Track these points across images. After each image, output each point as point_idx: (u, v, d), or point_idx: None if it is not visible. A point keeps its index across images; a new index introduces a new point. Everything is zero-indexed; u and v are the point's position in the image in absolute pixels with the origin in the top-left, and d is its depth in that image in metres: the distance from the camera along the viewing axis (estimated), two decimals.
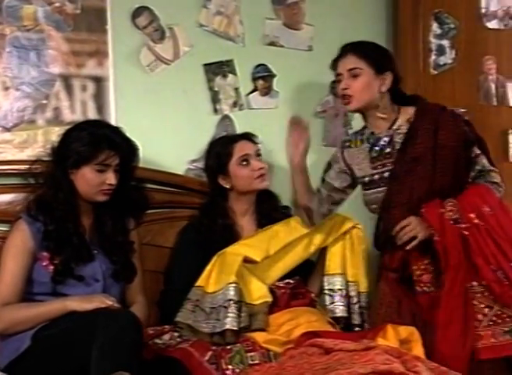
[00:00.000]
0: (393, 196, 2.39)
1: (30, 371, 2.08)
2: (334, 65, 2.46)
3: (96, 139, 2.22)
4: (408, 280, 2.37)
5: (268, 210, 2.55)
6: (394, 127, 2.44)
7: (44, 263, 2.20)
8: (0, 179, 2.43)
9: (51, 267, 2.20)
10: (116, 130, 2.30)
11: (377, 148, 2.45)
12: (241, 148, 2.50)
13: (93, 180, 2.23)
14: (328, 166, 2.60)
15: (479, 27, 3.06)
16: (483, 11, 3.08)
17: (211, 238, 2.43)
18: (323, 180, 2.60)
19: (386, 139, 2.44)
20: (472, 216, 2.29)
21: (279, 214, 2.57)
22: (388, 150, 2.43)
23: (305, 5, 2.89)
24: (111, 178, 2.24)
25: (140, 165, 2.45)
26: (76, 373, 2.01)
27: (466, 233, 2.28)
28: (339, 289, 2.45)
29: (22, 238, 2.22)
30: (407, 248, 2.32)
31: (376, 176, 2.45)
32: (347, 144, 2.56)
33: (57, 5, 2.50)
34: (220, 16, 2.75)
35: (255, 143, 2.56)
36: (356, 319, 2.45)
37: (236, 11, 2.77)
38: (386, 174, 2.42)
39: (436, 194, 2.33)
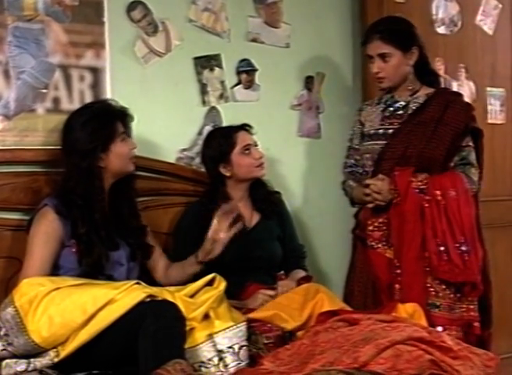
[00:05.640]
0: (389, 150, 2.57)
1: (71, 358, 2.02)
2: (363, 46, 2.64)
3: (105, 117, 2.32)
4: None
5: (264, 195, 2.70)
6: (414, 96, 2.63)
7: (74, 249, 2.23)
8: (2, 167, 2.42)
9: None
10: (105, 103, 2.41)
11: (391, 109, 2.65)
12: (243, 138, 2.64)
13: (124, 151, 2.33)
14: (351, 136, 2.76)
15: (431, 32, 3.34)
16: (433, 17, 3.39)
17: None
18: (350, 148, 2.76)
19: (403, 103, 2.64)
20: (437, 192, 2.49)
21: (273, 198, 2.73)
22: (400, 112, 2.63)
23: (283, 5, 3.03)
24: (132, 143, 2.37)
25: None
26: (116, 360, 2.04)
27: (426, 205, 2.48)
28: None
29: (52, 226, 2.24)
30: (370, 205, 2.55)
31: (381, 131, 2.63)
32: (364, 105, 2.76)
33: None
34: (208, 12, 2.84)
35: (251, 134, 2.70)
36: None
37: (222, 8, 2.87)
38: (390, 131, 2.60)
39: (424, 161, 2.52)
